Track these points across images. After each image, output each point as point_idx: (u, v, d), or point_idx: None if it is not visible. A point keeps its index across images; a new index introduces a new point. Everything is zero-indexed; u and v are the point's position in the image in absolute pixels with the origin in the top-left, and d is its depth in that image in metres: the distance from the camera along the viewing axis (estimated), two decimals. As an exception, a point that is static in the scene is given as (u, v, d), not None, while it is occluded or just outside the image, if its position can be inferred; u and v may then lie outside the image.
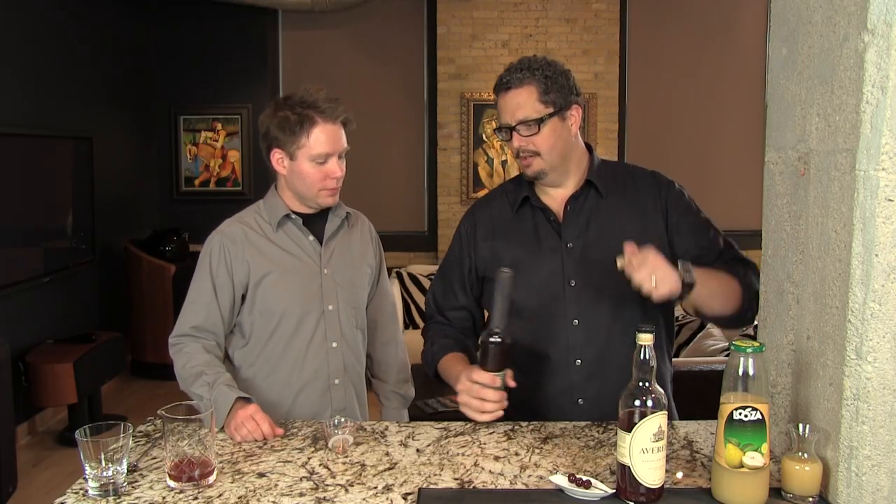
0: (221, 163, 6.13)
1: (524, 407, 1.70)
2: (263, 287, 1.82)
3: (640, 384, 1.22)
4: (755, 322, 1.62)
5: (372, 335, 2.03)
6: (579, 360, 1.69)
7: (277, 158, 1.81)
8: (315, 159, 1.76)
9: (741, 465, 1.21)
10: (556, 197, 1.75)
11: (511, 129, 1.67)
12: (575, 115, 1.70)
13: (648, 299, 1.66)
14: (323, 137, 1.76)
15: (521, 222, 1.76)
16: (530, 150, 1.67)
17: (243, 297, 1.84)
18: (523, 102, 1.65)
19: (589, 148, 1.79)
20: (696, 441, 1.52)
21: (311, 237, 1.87)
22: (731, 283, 1.62)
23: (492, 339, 1.54)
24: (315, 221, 1.88)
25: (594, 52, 5.89)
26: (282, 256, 1.84)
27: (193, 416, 1.33)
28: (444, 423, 1.62)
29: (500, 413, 1.57)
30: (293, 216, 1.86)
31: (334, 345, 1.87)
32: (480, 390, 1.54)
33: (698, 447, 1.49)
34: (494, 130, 1.75)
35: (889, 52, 1.10)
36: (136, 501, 1.26)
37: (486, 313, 1.85)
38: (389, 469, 1.39)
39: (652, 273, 1.45)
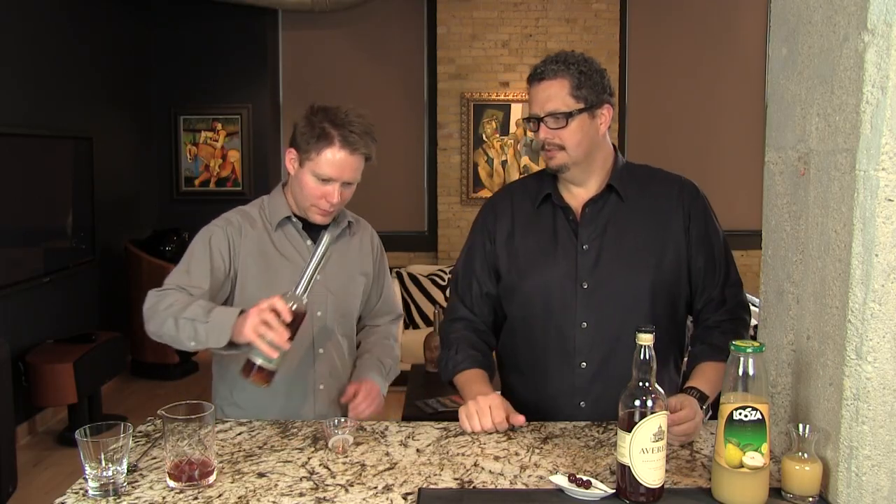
0: (221, 163, 6.13)
1: (525, 405, 1.70)
2: (251, 287, 1.80)
3: (640, 384, 1.22)
4: (755, 322, 1.63)
5: (367, 337, 2.01)
6: (584, 363, 1.69)
7: (290, 158, 1.79)
8: (318, 177, 1.73)
9: (741, 465, 1.21)
10: (577, 196, 1.74)
11: (539, 119, 1.66)
12: (605, 114, 1.69)
13: (658, 309, 1.69)
14: (332, 160, 1.71)
15: (540, 219, 1.76)
16: (556, 144, 1.66)
17: (232, 287, 1.81)
18: (554, 95, 1.64)
19: (616, 150, 1.77)
20: (696, 441, 1.52)
21: (309, 241, 1.85)
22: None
23: (294, 306, 1.50)
24: (315, 226, 1.85)
25: (594, 52, 5.89)
26: (274, 257, 1.82)
27: (193, 416, 1.33)
28: (444, 423, 1.62)
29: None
30: (294, 219, 1.84)
31: (321, 350, 1.85)
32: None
33: (698, 447, 1.49)
34: (523, 119, 1.74)
35: (889, 52, 1.10)
36: (136, 501, 1.26)
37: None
38: (389, 469, 1.39)
39: (688, 431, 1.48)
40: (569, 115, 1.64)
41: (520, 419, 1.57)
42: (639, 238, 1.70)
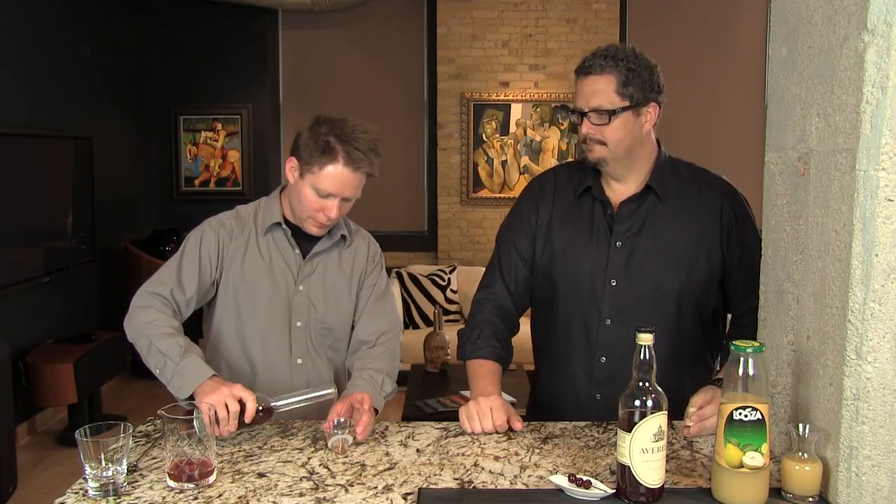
0: (221, 163, 6.13)
1: (545, 389, 1.70)
2: (232, 291, 1.79)
3: (640, 384, 1.22)
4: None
5: (364, 354, 1.83)
6: (604, 358, 1.70)
7: (290, 167, 1.75)
8: (317, 191, 1.70)
9: (741, 465, 1.21)
10: (617, 191, 1.73)
11: (583, 114, 1.65)
12: (651, 112, 1.66)
13: (684, 314, 1.69)
14: (333, 176, 1.68)
15: (580, 209, 1.76)
16: (597, 139, 1.65)
17: (216, 289, 1.80)
18: (600, 91, 1.62)
19: (660, 147, 1.76)
20: (696, 441, 1.52)
21: (297, 250, 1.82)
22: None
23: (261, 408, 1.51)
24: (306, 235, 1.81)
25: (594, 52, 5.88)
26: (258, 263, 1.80)
27: (193, 416, 1.33)
28: (444, 423, 1.62)
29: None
30: (283, 226, 1.81)
31: (299, 361, 1.82)
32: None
33: (698, 447, 1.49)
34: (568, 111, 1.71)
35: (889, 52, 1.10)
36: (136, 501, 1.26)
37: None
38: (389, 469, 1.39)
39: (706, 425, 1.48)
40: (612, 113, 1.62)
41: (519, 424, 1.57)
42: (673, 242, 1.69)
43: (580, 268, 1.72)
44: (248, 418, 1.49)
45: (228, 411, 1.46)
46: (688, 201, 1.72)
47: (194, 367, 1.56)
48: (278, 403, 1.54)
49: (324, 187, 1.69)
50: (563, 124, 5.86)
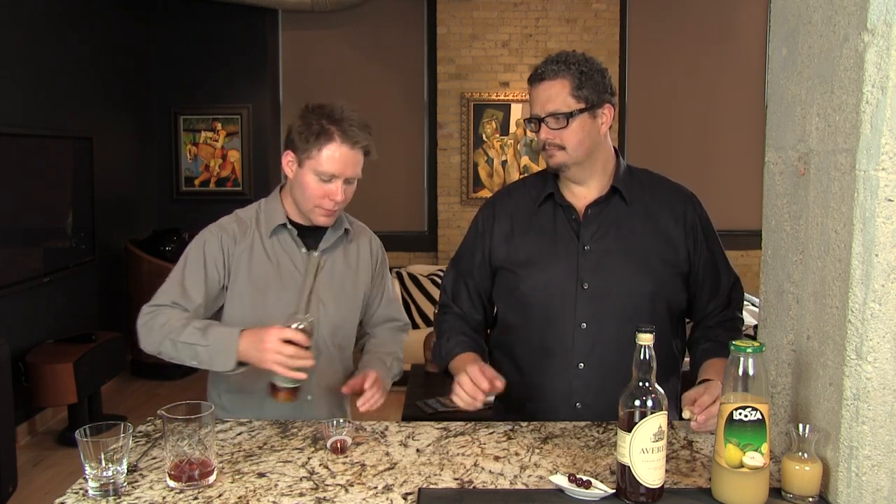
0: (221, 163, 6.13)
1: (521, 405, 1.69)
2: (242, 295, 1.78)
3: (640, 384, 1.22)
4: (755, 322, 1.63)
5: (375, 332, 1.97)
6: (582, 364, 1.69)
7: (288, 161, 1.76)
8: (320, 175, 1.71)
9: (741, 465, 1.21)
10: (579, 196, 1.74)
11: (540, 120, 1.66)
12: (607, 114, 1.68)
13: (657, 313, 1.70)
14: (334, 156, 1.69)
15: (541, 218, 1.76)
16: (556, 144, 1.66)
17: (224, 290, 1.80)
18: (555, 95, 1.64)
19: (617, 153, 1.78)
20: (696, 441, 1.52)
21: (304, 249, 1.82)
22: None
23: (298, 326, 1.56)
24: (311, 233, 1.82)
25: (594, 52, 5.83)
26: (266, 267, 1.79)
27: (193, 416, 1.33)
28: (444, 423, 1.62)
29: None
30: (289, 226, 1.81)
31: None
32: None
33: (698, 447, 1.49)
34: (524, 120, 1.73)
35: (889, 52, 1.10)
36: (136, 501, 1.26)
37: (495, 307, 1.87)
38: (389, 469, 1.39)
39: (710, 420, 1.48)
40: (569, 116, 1.64)
41: (500, 383, 1.58)
42: (641, 243, 1.70)
43: (549, 274, 1.70)
44: (306, 343, 1.54)
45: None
46: (651, 203, 1.74)
47: (221, 336, 1.59)
48: (304, 309, 1.60)
49: (325, 169, 1.70)
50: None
